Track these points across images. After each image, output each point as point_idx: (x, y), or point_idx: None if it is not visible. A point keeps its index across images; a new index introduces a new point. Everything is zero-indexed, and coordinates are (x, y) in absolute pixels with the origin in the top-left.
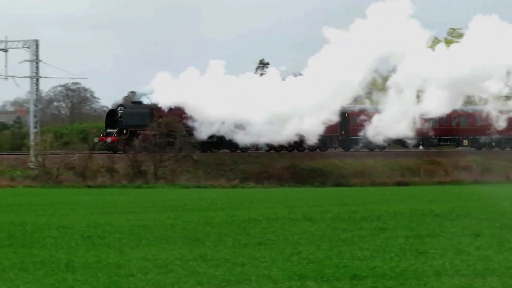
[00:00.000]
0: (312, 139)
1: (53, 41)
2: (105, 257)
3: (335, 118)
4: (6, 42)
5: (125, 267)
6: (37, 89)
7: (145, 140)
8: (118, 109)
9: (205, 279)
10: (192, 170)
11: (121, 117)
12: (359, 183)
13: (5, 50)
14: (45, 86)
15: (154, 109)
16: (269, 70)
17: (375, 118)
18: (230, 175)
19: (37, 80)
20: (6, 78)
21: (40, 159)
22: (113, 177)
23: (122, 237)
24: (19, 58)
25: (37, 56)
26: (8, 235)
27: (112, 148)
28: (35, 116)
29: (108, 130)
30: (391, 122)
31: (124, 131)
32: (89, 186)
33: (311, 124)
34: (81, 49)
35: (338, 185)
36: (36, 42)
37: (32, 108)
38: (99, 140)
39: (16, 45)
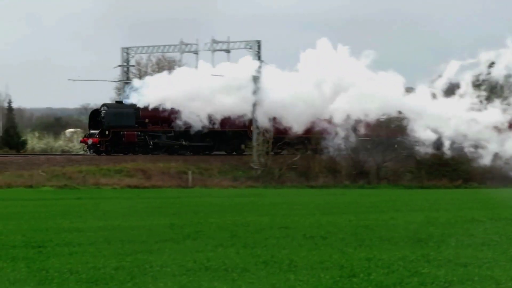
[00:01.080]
0: None
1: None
2: (327, 258)
3: None
4: (228, 43)
5: (348, 267)
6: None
7: (129, 141)
8: (102, 109)
9: (428, 280)
10: (415, 171)
11: (103, 117)
12: None
13: (228, 51)
14: None
15: (139, 109)
16: None
17: None
18: (453, 176)
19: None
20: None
21: (262, 159)
22: (336, 177)
23: (344, 237)
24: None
25: (259, 57)
26: (230, 235)
27: (94, 150)
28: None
29: (91, 131)
30: None
31: (107, 132)
32: (311, 187)
33: None
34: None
35: None
36: (258, 43)
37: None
38: (81, 142)
39: (238, 46)
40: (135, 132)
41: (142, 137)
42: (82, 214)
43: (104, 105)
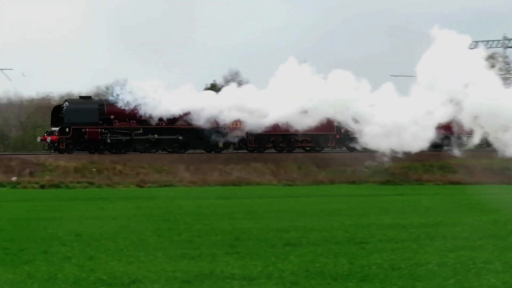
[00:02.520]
0: None
1: None
2: None
3: None
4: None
5: None
6: None
7: (92, 139)
8: (63, 104)
9: None
10: None
11: (63, 113)
12: None
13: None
14: None
15: (104, 105)
16: None
17: None
18: None
19: None
20: None
21: None
22: None
23: None
24: None
25: None
26: None
27: (54, 148)
28: None
29: (52, 128)
30: None
31: (67, 129)
32: None
33: None
34: None
35: None
36: None
37: None
38: (41, 140)
39: None
40: (98, 129)
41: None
42: (404, 210)
43: (66, 100)
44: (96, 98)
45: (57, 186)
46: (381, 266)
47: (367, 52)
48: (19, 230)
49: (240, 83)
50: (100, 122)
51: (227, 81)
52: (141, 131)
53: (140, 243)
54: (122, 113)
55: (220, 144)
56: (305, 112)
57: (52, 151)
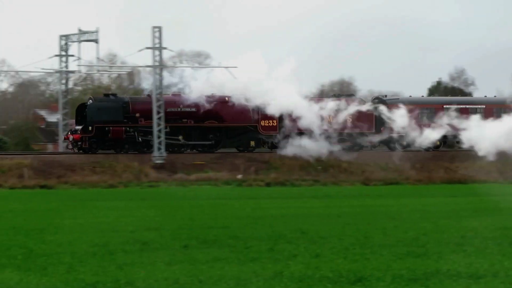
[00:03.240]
0: None
1: None
2: None
3: None
4: None
5: None
6: None
7: (116, 137)
8: (88, 102)
9: None
10: None
11: (86, 111)
12: None
13: None
14: None
15: (129, 103)
16: None
17: None
18: None
19: None
20: None
21: None
22: None
23: None
24: None
25: None
26: None
27: (78, 147)
28: None
29: (76, 127)
30: None
31: (90, 128)
32: None
33: None
34: None
35: None
36: None
37: None
38: (64, 139)
39: None
40: (123, 128)
41: (132, 133)
42: None
43: (90, 98)
44: (122, 96)
45: (282, 183)
46: None
47: None
48: (245, 228)
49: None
50: (125, 120)
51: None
52: (168, 129)
53: (366, 241)
54: (148, 111)
55: (252, 143)
56: None
57: (74, 150)
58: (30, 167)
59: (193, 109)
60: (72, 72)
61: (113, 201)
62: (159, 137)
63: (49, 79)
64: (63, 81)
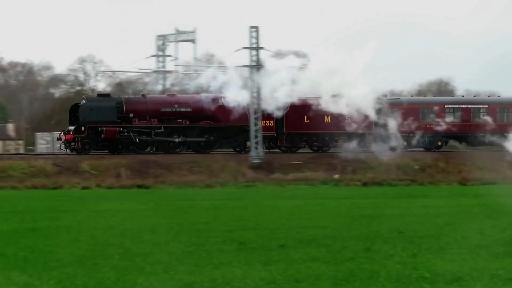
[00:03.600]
0: None
1: None
2: None
3: None
4: None
5: None
6: None
7: (109, 138)
8: (81, 102)
9: None
10: None
11: (79, 112)
12: None
13: None
14: None
15: (123, 103)
16: None
17: None
18: None
19: None
20: None
21: None
22: None
23: None
24: None
25: None
26: None
27: (71, 148)
28: None
29: (69, 127)
30: None
31: (82, 128)
32: None
33: None
34: None
35: None
36: None
37: None
38: (57, 139)
39: None
40: (116, 128)
41: (125, 134)
42: None
43: (83, 98)
44: (115, 96)
45: (379, 183)
46: None
47: None
48: (341, 228)
49: None
50: (119, 120)
51: None
52: (162, 129)
53: (463, 241)
54: (142, 111)
55: (248, 144)
56: None
57: (66, 150)
58: (127, 167)
59: (188, 109)
60: (170, 72)
61: (210, 200)
62: (256, 136)
63: (146, 79)
64: (161, 81)
